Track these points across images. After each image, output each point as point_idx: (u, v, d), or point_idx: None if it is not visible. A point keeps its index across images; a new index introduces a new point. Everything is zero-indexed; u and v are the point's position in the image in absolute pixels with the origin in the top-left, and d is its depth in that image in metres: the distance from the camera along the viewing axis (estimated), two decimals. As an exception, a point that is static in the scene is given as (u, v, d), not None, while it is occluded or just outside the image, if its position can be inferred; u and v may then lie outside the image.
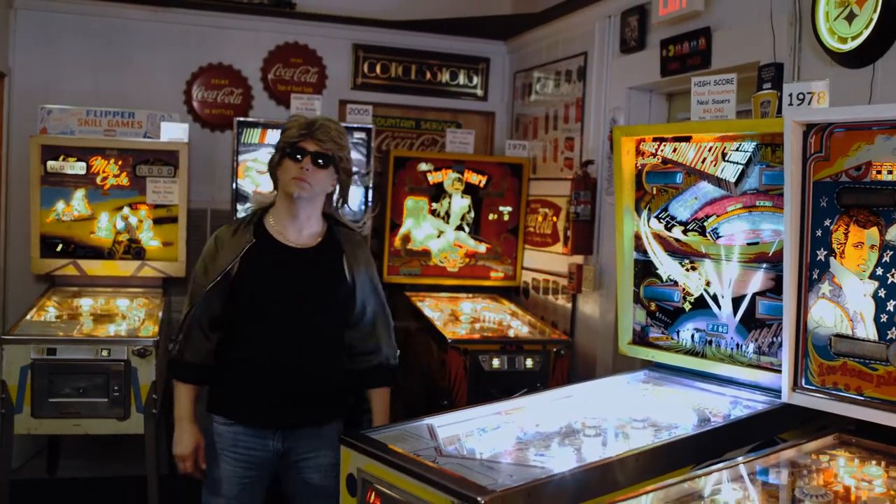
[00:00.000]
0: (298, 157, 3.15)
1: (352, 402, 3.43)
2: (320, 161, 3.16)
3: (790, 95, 2.97)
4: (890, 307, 2.59)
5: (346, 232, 3.37)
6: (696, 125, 3.41)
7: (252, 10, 6.15)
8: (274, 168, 3.26)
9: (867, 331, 2.65)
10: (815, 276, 2.78)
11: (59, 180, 5.32)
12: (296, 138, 3.16)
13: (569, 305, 5.53)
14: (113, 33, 5.99)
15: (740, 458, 2.58)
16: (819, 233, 2.77)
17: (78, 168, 5.33)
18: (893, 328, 2.58)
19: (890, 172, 2.58)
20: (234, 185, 5.61)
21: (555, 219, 5.78)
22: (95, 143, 5.36)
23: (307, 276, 3.24)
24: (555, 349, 4.96)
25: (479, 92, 6.79)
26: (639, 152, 3.61)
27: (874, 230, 2.62)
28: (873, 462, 2.59)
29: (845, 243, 2.70)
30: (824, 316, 2.77)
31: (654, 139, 3.55)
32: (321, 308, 3.25)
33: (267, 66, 6.32)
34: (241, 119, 5.74)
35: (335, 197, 3.34)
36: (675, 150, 3.46)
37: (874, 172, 2.62)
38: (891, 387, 2.59)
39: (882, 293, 2.60)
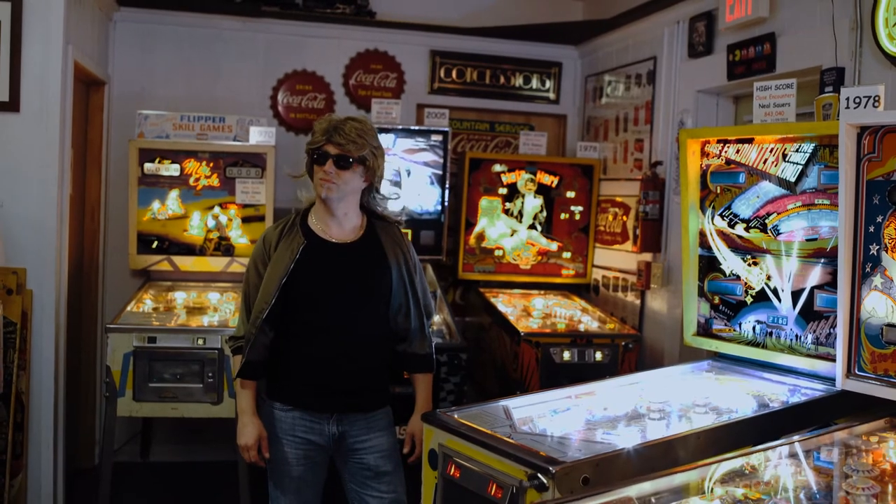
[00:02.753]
0: (321, 161, 3.38)
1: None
2: (341, 163, 3.36)
3: (847, 99, 3.10)
4: (938, 298, 2.75)
5: (384, 225, 3.59)
6: (758, 127, 3.58)
7: (335, 19, 6.44)
8: (309, 171, 3.49)
9: (917, 321, 2.82)
10: (868, 269, 2.95)
11: (155, 181, 5.60)
12: (319, 143, 3.39)
13: (637, 301, 5.71)
14: (204, 43, 6.33)
15: (795, 437, 2.77)
16: (871, 229, 2.93)
17: (172, 170, 5.60)
18: (941, 318, 2.75)
19: (938, 172, 2.75)
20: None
21: (624, 218, 5.97)
22: (189, 147, 5.62)
23: (351, 270, 3.48)
24: (623, 343, 5.16)
25: (552, 95, 6.99)
26: (704, 153, 3.79)
27: (923, 226, 2.79)
28: (922, 444, 2.75)
29: (896, 238, 2.87)
30: (876, 307, 2.94)
31: (718, 141, 3.73)
32: (366, 299, 3.48)
33: (348, 73, 6.60)
34: (324, 123, 6.00)
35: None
36: (738, 152, 3.64)
37: (924, 172, 2.79)
38: (939, 373, 2.76)
39: (931, 285, 2.77)
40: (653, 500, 2.34)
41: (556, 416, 3.16)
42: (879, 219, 2.91)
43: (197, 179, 5.65)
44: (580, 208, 6.34)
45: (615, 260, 6.10)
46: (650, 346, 5.48)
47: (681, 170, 3.85)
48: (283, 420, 3.48)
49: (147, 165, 5.59)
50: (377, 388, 3.58)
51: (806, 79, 4.05)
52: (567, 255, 6.36)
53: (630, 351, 5.16)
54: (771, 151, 3.51)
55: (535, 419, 3.12)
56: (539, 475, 2.50)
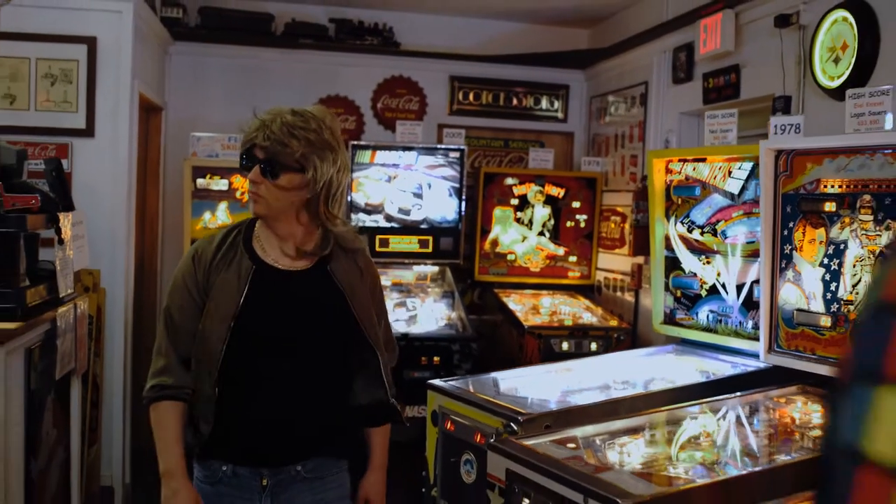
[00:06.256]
0: (245, 165, 2.53)
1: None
2: (268, 170, 2.48)
3: (775, 126, 3.82)
4: (833, 288, 3.45)
5: (342, 251, 2.67)
6: (709, 149, 4.27)
7: (364, 49, 7.18)
8: None
9: (818, 306, 3.52)
10: (783, 265, 3.66)
11: (206, 195, 6.29)
12: (246, 144, 2.52)
13: (632, 300, 6.41)
14: (249, 73, 7.10)
15: (719, 398, 3.48)
16: (786, 232, 3.64)
17: (221, 185, 6.27)
18: (835, 304, 3.45)
19: (832, 186, 3.45)
20: (349, 198, 6.63)
21: (623, 225, 6.66)
22: (236, 164, 6.10)
23: (299, 305, 2.59)
24: (615, 335, 5.87)
25: (560, 115, 7.70)
26: (668, 170, 4.50)
27: (822, 230, 3.49)
28: (820, 404, 3.45)
29: (803, 240, 3.57)
30: (789, 295, 3.64)
31: (679, 160, 4.44)
32: (309, 341, 2.59)
33: (376, 97, 7.36)
34: (355, 142, 6.68)
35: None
36: (694, 169, 4.35)
37: (822, 186, 3.49)
38: (835, 347, 3.45)
39: (827, 277, 3.47)
40: (596, 440, 3.06)
41: (535, 386, 3.89)
42: (791, 224, 3.61)
43: (243, 193, 6.34)
44: (585, 217, 7.03)
45: (615, 263, 6.79)
46: (643, 337, 6.16)
47: (648, 184, 4.57)
48: (207, 495, 2.57)
49: (199, 181, 6.27)
50: (330, 444, 2.66)
51: (762, 105, 4.75)
52: (573, 259, 7.06)
53: (622, 342, 5.85)
54: (719, 169, 4.21)
55: (518, 388, 3.85)
56: (511, 424, 3.23)
